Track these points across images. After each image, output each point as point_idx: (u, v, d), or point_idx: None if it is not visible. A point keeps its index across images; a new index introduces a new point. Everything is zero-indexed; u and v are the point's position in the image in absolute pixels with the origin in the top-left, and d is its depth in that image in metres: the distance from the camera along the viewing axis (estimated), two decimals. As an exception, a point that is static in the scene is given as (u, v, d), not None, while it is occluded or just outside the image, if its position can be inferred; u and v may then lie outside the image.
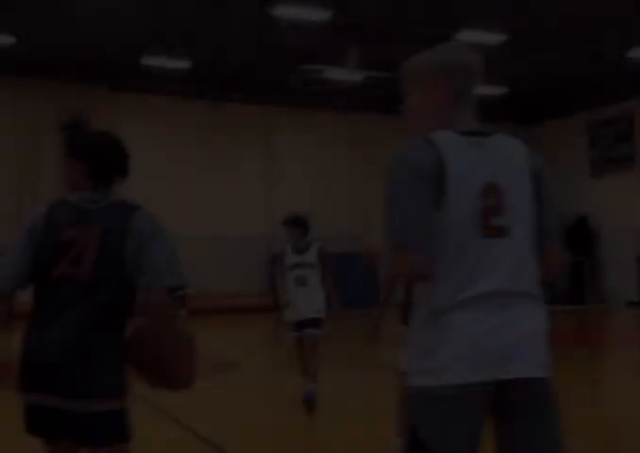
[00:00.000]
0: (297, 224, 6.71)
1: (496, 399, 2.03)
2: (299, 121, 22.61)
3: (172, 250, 2.64)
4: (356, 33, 16.74)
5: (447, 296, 2.01)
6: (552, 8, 15.03)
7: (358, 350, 11.65)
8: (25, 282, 2.62)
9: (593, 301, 21.47)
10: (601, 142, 22.96)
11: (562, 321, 15.93)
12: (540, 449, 2.05)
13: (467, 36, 15.92)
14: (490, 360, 1.97)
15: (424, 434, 2.00)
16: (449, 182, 2.01)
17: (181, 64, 18.07)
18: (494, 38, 16.22)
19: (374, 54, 17.54)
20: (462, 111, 2.17)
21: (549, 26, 16.22)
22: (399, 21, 15.92)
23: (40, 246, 2.61)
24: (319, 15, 15.33)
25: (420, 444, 1.99)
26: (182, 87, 20.46)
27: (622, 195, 21.96)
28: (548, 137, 24.05)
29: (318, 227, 22.90)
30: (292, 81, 19.71)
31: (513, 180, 2.11)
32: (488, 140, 2.13)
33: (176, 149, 20.95)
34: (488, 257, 2.03)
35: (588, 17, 15.46)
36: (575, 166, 23.54)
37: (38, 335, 2.55)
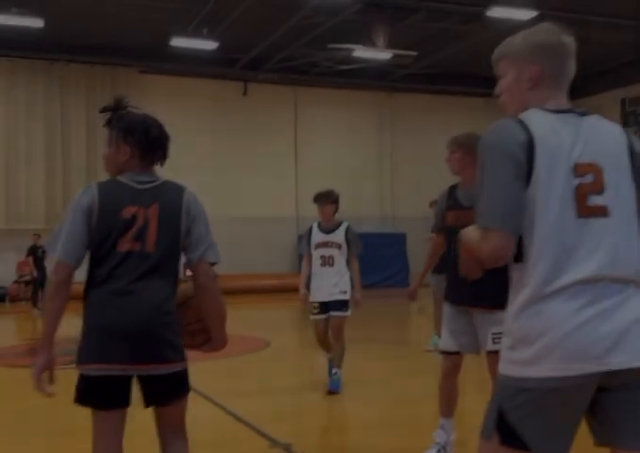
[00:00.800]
0: (330, 199, 6.49)
1: (606, 382, 1.94)
2: (328, 101, 22.52)
3: (209, 228, 2.88)
4: (385, 11, 16.58)
5: (544, 282, 1.94)
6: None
7: (383, 332, 11.68)
8: (80, 263, 2.76)
9: None
10: (636, 120, 22.55)
11: None
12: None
13: (498, 12, 15.81)
14: (589, 352, 1.89)
15: (512, 420, 1.96)
16: (541, 162, 1.98)
17: (210, 45, 18.06)
18: (524, 14, 16.00)
19: (402, 32, 17.37)
20: (555, 91, 2.16)
21: (578, 2, 15.93)
22: (428, -2, 15.76)
23: (99, 226, 2.74)
24: (347, -7, 15.20)
25: (508, 426, 1.96)
26: (211, 68, 20.48)
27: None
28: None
29: (347, 208, 22.96)
30: (320, 61, 19.61)
31: (612, 160, 2.06)
32: (583, 119, 2.11)
33: (206, 130, 21.02)
34: (587, 239, 1.97)
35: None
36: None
37: (116, 308, 2.68)
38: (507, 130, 2.03)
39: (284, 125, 22.22)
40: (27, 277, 18.09)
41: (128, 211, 2.76)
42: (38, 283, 16.46)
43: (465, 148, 4.11)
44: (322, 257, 6.44)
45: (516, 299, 2.01)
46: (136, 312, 2.67)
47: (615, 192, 2.03)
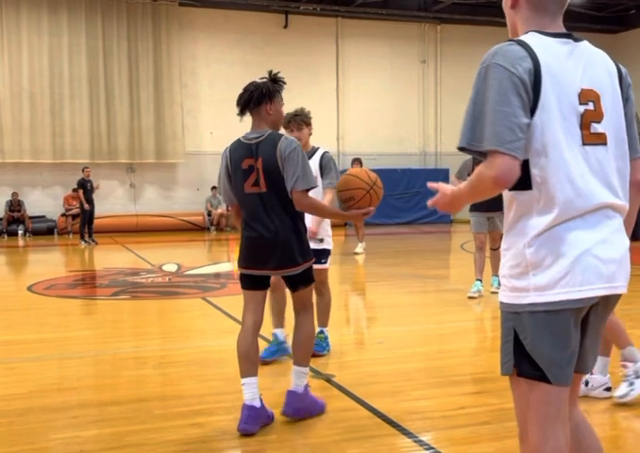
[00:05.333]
0: (306, 121, 5.32)
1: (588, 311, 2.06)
2: (371, 33, 22.03)
3: (304, 163, 3.75)
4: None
5: (558, 210, 1.96)
6: None
7: (425, 268, 11.71)
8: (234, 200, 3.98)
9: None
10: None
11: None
12: (593, 354, 2.17)
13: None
14: (600, 275, 1.97)
15: (527, 346, 2.01)
16: (548, 88, 1.96)
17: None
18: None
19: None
20: (541, 13, 2.10)
21: None
22: None
23: (233, 175, 3.89)
24: None
25: (524, 354, 2.01)
26: (252, -1, 20.15)
27: None
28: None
29: (390, 144, 22.78)
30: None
31: (606, 87, 2.07)
32: (578, 45, 2.09)
33: (244, 64, 20.82)
34: (591, 167, 1.99)
35: None
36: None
37: (251, 230, 3.87)
38: (512, 53, 1.97)
39: (326, 59, 21.88)
40: (74, 211, 18.47)
41: (246, 163, 3.81)
42: (87, 216, 16.79)
43: None
44: None
45: (527, 226, 2.01)
46: (261, 231, 3.81)
47: (610, 119, 2.04)
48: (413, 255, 13.58)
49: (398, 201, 21.05)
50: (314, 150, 5.31)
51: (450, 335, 6.18)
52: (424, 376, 4.88)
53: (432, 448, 3.53)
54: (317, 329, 5.22)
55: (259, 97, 3.81)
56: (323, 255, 5.18)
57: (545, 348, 1.99)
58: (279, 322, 5.30)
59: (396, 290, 8.97)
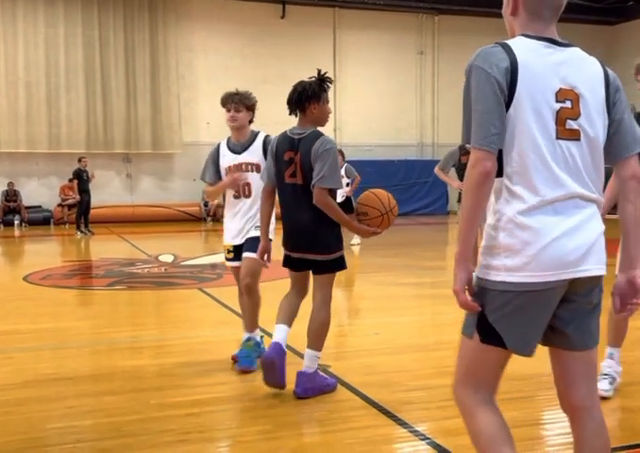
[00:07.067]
0: (245, 102, 4.85)
1: (565, 291, 2.21)
2: (369, 23, 21.96)
3: (332, 164, 4.02)
4: None
5: (529, 198, 2.14)
6: None
7: (420, 259, 11.70)
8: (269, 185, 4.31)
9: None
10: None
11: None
12: (591, 331, 2.30)
13: None
14: (567, 260, 2.14)
15: (492, 320, 2.20)
16: (523, 85, 2.13)
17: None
18: None
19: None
20: (537, 20, 2.25)
21: None
22: None
23: (276, 164, 4.23)
24: None
25: (488, 326, 2.20)
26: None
27: None
28: (638, 39, 22.44)
29: (388, 134, 22.74)
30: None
31: (589, 89, 2.22)
32: (566, 49, 2.25)
33: (241, 54, 20.75)
34: (564, 159, 2.16)
35: None
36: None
37: (286, 217, 4.23)
38: (492, 56, 2.16)
39: (323, 50, 21.81)
40: (70, 201, 18.44)
41: (288, 155, 4.14)
42: (83, 207, 16.77)
43: None
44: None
45: (500, 211, 2.20)
46: (296, 220, 4.16)
47: (587, 119, 2.21)
48: (410, 246, 13.59)
49: (395, 192, 20.52)
50: (255, 134, 4.88)
51: (446, 326, 6.19)
52: (420, 366, 4.89)
53: (428, 438, 3.54)
54: (244, 336, 4.80)
55: (305, 97, 4.12)
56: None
57: (509, 323, 2.18)
58: (252, 325, 4.89)
59: (393, 281, 8.98)
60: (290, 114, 4.22)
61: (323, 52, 21.72)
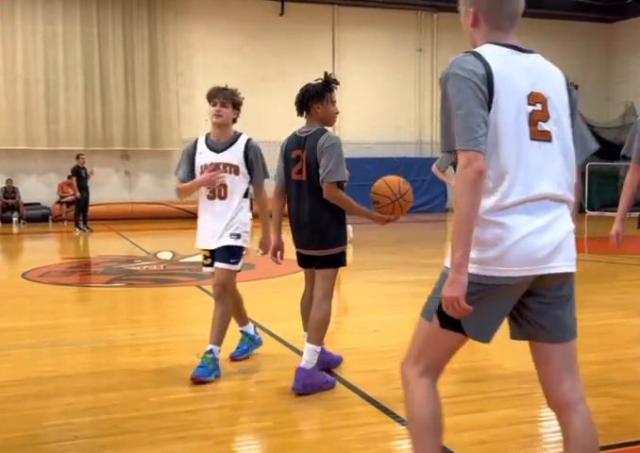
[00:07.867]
0: (231, 99, 4.79)
1: (534, 286, 2.31)
2: (368, 21, 21.96)
3: (338, 158, 4.14)
4: None
5: (504, 196, 2.22)
6: None
7: (419, 256, 11.71)
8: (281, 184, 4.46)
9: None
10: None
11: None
12: (566, 324, 2.38)
13: None
14: (536, 256, 2.23)
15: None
16: (500, 90, 2.22)
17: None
18: None
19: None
20: (496, 29, 2.36)
21: None
22: None
23: (285, 162, 4.39)
24: None
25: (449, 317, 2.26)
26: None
27: None
28: (636, 36, 22.50)
29: (387, 132, 22.73)
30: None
31: (555, 93, 2.35)
32: (530, 55, 2.36)
33: (240, 51, 20.73)
34: (537, 160, 2.25)
35: None
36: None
37: (292, 213, 4.37)
38: (467, 63, 2.25)
39: (322, 47, 21.80)
40: (69, 198, 18.42)
41: (295, 153, 4.30)
42: (81, 204, 16.76)
43: None
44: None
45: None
46: (302, 215, 4.28)
47: (556, 121, 2.32)
48: (409, 243, 13.60)
49: (394, 190, 21.00)
50: (237, 135, 4.73)
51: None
52: (418, 364, 4.89)
53: (426, 436, 3.54)
54: (208, 347, 4.50)
55: (309, 98, 4.25)
56: (234, 254, 4.57)
57: (472, 312, 2.21)
58: (242, 320, 5.00)
59: (392, 278, 8.99)
60: (298, 115, 4.34)
61: (322, 49, 21.73)
